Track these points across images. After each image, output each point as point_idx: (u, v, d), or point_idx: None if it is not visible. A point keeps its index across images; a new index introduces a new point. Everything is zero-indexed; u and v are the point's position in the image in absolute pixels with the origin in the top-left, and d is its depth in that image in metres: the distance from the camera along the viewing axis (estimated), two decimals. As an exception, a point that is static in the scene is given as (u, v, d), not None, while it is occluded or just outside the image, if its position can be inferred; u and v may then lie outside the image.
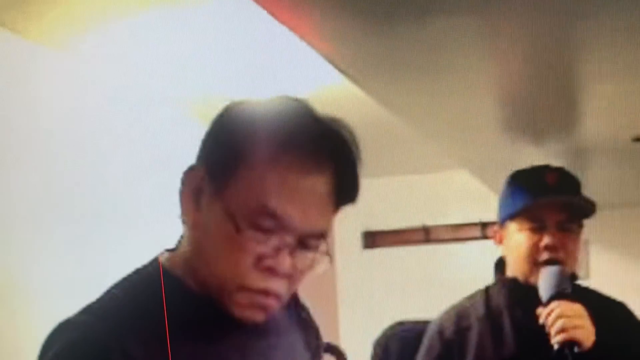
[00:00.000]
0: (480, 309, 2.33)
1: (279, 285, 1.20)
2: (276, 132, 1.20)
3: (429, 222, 5.31)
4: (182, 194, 1.24)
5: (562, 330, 2.01)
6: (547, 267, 2.16)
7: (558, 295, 2.09)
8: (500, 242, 2.35)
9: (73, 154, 3.12)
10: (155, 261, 1.29)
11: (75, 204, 3.10)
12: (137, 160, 3.49)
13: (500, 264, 2.39)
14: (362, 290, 5.33)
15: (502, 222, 2.34)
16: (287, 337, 1.37)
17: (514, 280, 2.29)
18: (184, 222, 1.25)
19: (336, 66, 2.29)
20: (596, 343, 2.03)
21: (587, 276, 4.90)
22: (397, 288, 5.18)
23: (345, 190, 1.25)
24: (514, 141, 3.18)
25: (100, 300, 1.23)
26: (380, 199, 5.40)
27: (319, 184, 1.20)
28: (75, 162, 3.13)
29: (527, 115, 2.90)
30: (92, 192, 3.20)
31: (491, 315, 2.31)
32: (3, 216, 2.78)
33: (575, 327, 2.02)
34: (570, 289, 2.11)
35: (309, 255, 1.22)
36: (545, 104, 2.75)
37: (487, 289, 2.40)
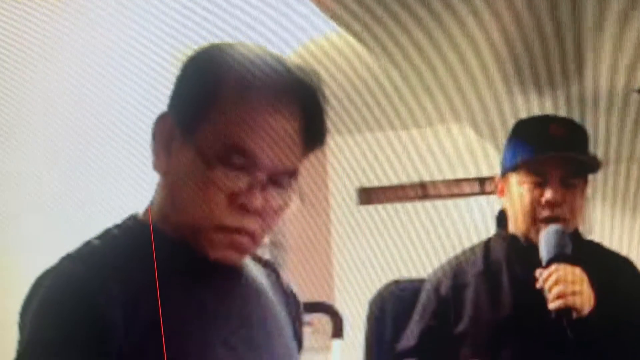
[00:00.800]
0: (479, 264, 2.32)
1: (252, 224, 1.26)
2: (244, 73, 1.26)
3: (426, 178, 5.30)
4: (154, 142, 1.30)
5: (559, 296, 1.99)
6: (548, 226, 2.13)
7: (558, 257, 2.06)
8: (501, 194, 2.33)
9: (54, 106, 3.09)
10: (133, 215, 1.34)
11: (60, 160, 3.09)
12: (124, 113, 3.47)
13: (502, 217, 2.37)
14: (357, 248, 5.33)
15: (504, 174, 2.31)
16: (268, 296, 1.41)
17: (514, 237, 2.27)
18: (156, 169, 1.31)
19: (331, 17, 2.27)
20: (595, 309, 2.00)
21: (588, 233, 4.90)
22: (394, 246, 5.18)
23: (312, 132, 1.31)
24: (514, 94, 3.16)
25: (79, 250, 1.27)
26: (375, 154, 5.39)
27: (287, 123, 1.27)
28: (59, 114, 3.11)
29: (528, 67, 2.87)
30: (77, 147, 3.18)
31: (490, 272, 2.29)
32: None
33: (573, 294, 1.99)
34: (570, 250, 2.08)
35: (281, 193, 1.28)
36: (547, 55, 2.72)
37: (487, 242, 2.38)
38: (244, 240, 1.27)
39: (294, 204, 1.30)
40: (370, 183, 5.41)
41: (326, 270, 5.34)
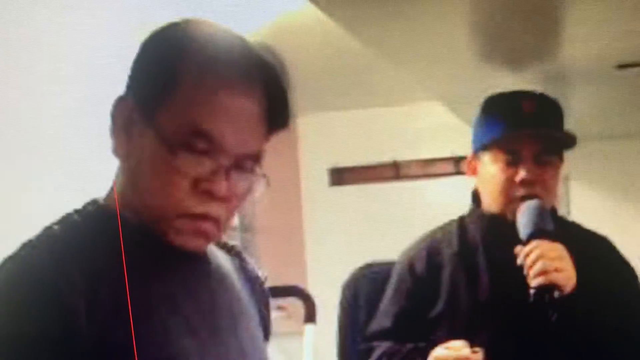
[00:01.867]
0: (454, 244, 2.30)
1: (217, 209, 1.25)
2: (204, 53, 1.24)
3: (400, 158, 5.30)
4: (113, 125, 1.28)
5: (541, 272, 1.96)
6: (527, 202, 2.11)
7: (538, 233, 2.03)
8: (473, 173, 2.30)
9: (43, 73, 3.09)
10: (94, 200, 1.33)
11: (33, 128, 3.08)
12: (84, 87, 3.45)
13: (475, 196, 2.35)
14: (329, 230, 5.33)
15: (476, 152, 2.29)
16: (233, 282, 1.41)
17: (489, 215, 2.25)
18: (115, 154, 1.29)
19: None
20: (577, 287, 1.98)
21: (567, 213, 4.93)
22: (366, 227, 5.19)
23: (275, 114, 1.29)
24: (490, 70, 3.16)
25: (39, 236, 1.25)
26: (347, 134, 5.38)
27: (250, 105, 1.25)
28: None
29: (504, 42, 2.87)
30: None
31: (465, 252, 2.27)
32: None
33: (555, 270, 1.96)
34: (551, 227, 2.07)
35: (246, 177, 1.27)
36: (524, 30, 2.72)
37: (461, 221, 2.36)
38: (208, 226, 1.26)
39: (259, 188, 1.29)
40: (343, 163, 5.41)
41: (298, 253, 5.35)
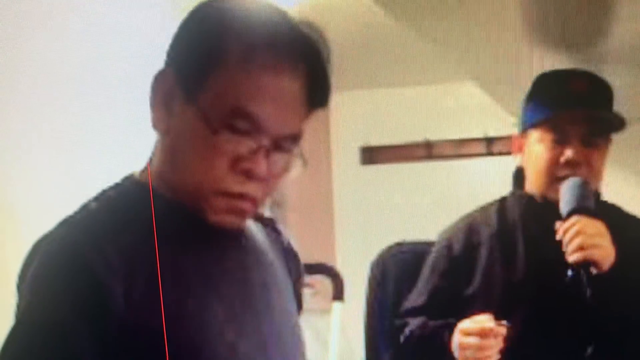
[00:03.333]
0: (493, 224, 2.30)
1: (255, 189, 1.26)
2: (248, 32, 1.24)
3: (432, 137, 5.29)
4: (153, 100, 1.28)
5: (579, 248, 1.95)
6: (571, 178, 2.10)
7: (579, 209, 2.02)
8: (519, 151, 2.29)
9: (54, 62, 3.09)
10: (131, 175, 1.33)
11: (64, 116, 3.09)
12: (122, 67, 3.46)
13: (519, 176, 2.34)
14: (359, 209, 5.34)
15: (523, 130, 2.28)
16: (267, 257, 1.41)
17: (531, 196, 2.25)
18: (155, 128, 1.29)
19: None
20: (615, 265, 1.98)
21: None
22: (397, 207, 5.19)
23: (316, 92, 1.29)
24: (526, 51, 3.14)
25: (77, 214, 1.26)
26: (379, 112, 5.37)
27: (292, 86, 1.25)
28: (58, 69, 3.10)
29: (542, 22, 2.85)
30: (77, 103, 3.18)
31: (504, 232, 2.27)
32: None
33: (594, 246, 1.95)
34: (592, 204, 2.05)
35: (284, 158, 1.28)
36: (562, 9, 2.70)
37: (502, 201, 2.35)
38: (245, 205, 1.27)
39: (296, 168, 1.30)
40: (374, 142, 5.40)
41: (328, 231, 5.36)
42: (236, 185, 1.24)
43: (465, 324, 2.09)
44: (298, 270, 1.51)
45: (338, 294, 3.90)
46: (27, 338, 1.15)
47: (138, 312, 1.17)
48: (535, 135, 2.22)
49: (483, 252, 2.26)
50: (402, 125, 5.34)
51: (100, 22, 3.36)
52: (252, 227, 1.42)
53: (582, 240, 1.96)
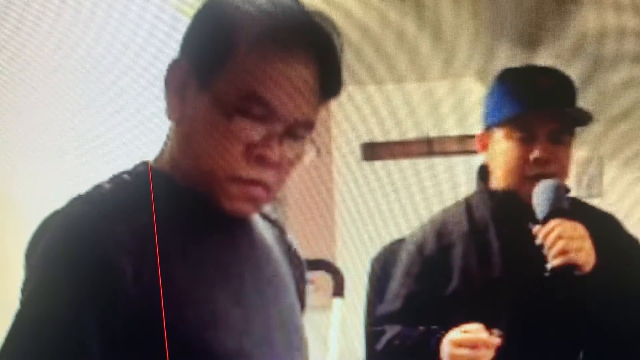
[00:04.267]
0: (463, 224, 2.27)
1: (268, 175, 1.27)
2: (261, 21, 1.25)
3: (433, 133, 5.29)
4: (167, 89, 1.30)
5: (562, 252, 1.95)
6: (544, 181, 2.08)
7: (557, 212, 2.01)
8: (484, 148, 2.27)
9: (57, 56, 3.09)
10: (144, 161, 1.34)
11: (65, 109, 3.09)
12: (125, 58, 3.46)
13: (483, 172, 2.32)
14: (360, 205, 5.34)
15: (487, 128, 2.26)
16: (273, 253, 1.42)
17: (501, 193, 2.22)
18: (169, 117, 1.30)
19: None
20: (596, 265, 1.98)
21: (600, 194, 4.91)
22: (398, 203, 5.19)
23: (328, 81, 1.31)
24: (528, 47, 3.15)
25: (90, 193, 1.27)
26: (381, 108, 5.38)
27: (305, 73, 1.27)
28: (61, 64, 3.11)
29: (541, 17, 2.86)
30: (83, 97, 3.19)
31: (475, 231, 2.25)
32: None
33: (576, 250, 1.95)
34: (568, 205, 2.05)
35: (297, 144, 1.30)
36: (562, 8, 2.71)
37: (468, 200, 2.34)
38: (259, 191, 1.28)
39: (309, 155, 1.32)
40: (375, 138, 5.41)
41: (328, 227, 5.36)
42: (250, 171, 1.25)
43: (456, 335, 2.06)
44: (301, 269, 1.52)
45: (338, 290, 3.90)
46: (37, 315, 1.15)
47: (147, 295, 1.17)
48: (501, 133, 2.20)
49: (457, 253, 2.24)
50: (403, 121, 5.34)
51: (101, 15, 3.36)
52: (260, 223, 1.43)
53: (564, 244, 1.96)
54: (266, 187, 1.28)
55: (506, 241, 2.20)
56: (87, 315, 1.14)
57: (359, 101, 5.26)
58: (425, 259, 2.27)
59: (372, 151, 5.45)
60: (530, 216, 2.05)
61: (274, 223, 1.50)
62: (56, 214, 1.24)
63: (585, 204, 2.33)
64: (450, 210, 2.36)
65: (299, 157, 1.31)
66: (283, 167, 1.28)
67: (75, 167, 3.10)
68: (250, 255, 1.35)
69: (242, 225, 1.34)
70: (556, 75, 2.21)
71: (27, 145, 2.92)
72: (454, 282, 2.21)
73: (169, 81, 1.30)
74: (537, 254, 1.99)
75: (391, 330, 2.27)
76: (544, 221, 2.01)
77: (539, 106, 2.15)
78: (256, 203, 1.31)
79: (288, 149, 1.27)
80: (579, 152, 4.74)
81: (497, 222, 2.23)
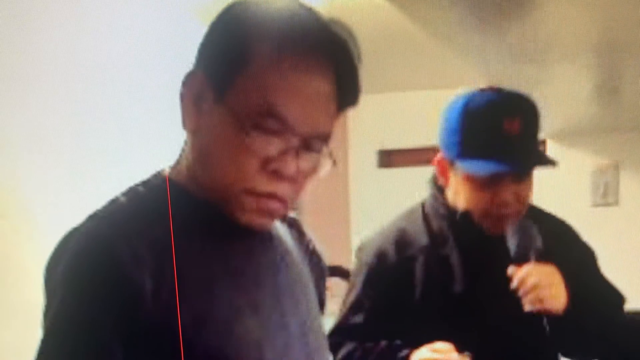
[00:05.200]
0: (422, 236, 2.20)
1: (284, 189, 1.25)
2: (277, 32, 1.23)
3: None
4: (183, 100, 1.28)
5: (538, 301, 1.97)
6: (516, 224, 2.06)
7: (531, 255, 2.02)
8: (443, 175, 2.18)
9: (72, 65, 3.11)
10: (159, 173, 1.33)
11: (79, 118, 3.11)
12: (141, 67, 3.48)
13: (437, 182, 2.23)
14: (376, 211, 5.33)
15: (449, 159, 2.15)
16: (292, 257, 1.41)
17: (460, 214, 2.14)
18: (185, 128, 1.29)
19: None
20: (567, 307, 1.99)
21: (616, 202, 4.90)
22: (413, 210, 5.19)
23: (346, 92, 1.29)
24: (545, 57, 3.15)
25: (105, 208, 1.26)
26: (397, 115, 5.39)
27: (322, 85, 1.25)
28: (77, 73, 3.12)
29: (557, 27, 2.86)
30: (96, 104, 3.20)
31: (436, 244, 2.19)
32: (7, 136, 2.80)
33: (551, 297, 1.98)
34: (540, 244, 2.03)
35: (313, 157, 1.27)
36: (585, 19, 2.71)
37: (424, 208, 2.27)
38: (275, 205, 1.26)
39: (325, 167, 1.30)
40: (391, 145, 5.42)
41: (344, 233, 5.37)
42: (265, 184, 1.23)
43: (425, 354, 2.01)
44: (322, 270, 1.51)
45: (353, 297, 3.89)
46: (63, 337, 1.16)
47: (166, 309, 1.17)
48: (462, 171, 2.11)
49: (419, 265, 2.17)
50: (419, 129, 5.33)
51: (113, 21, 3.38)
52: (279, 226, 1.42)
53: (539, 293, 1.97)
54: (282, 200, 1.26)
55: (466, 255, 2.15)
56: (110, 334, 1.14)
57: (375, 108, 5.27)
58: (385, 270, 2.20)
59: (388, 158, 5.46)
60: (494, 243, 2.06)
61: (292, 224, 1.48)
62: (74, 232, 1.23)
63: (541, 211, 2.27)
64: (408, 217, 2.30)
65: (315, 169, 1.29)
66: (299, 180, 1.27)
67: (88, 174, 3.12)
68: (268, 265, 1.33)
69: (260, 235, 1.32)
70: (522, 113, 2.09)
71: (40, 153, 2.94)
72: (416, 297, 2.15)
73: (185, 91, 1.28)
74: (500, 272, 2.00)
75: (351, 344, 2.20)
76: (518, 262, 2.01)
77: (506, 165, 2.05)
78: (272, 216, 1.29)
79: (304, 162, 1.25)
80: (595, 160, 4.78)
81: (456, 236, 2.17)
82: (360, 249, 2.35)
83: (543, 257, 2.02)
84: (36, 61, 2.93)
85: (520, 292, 1.99)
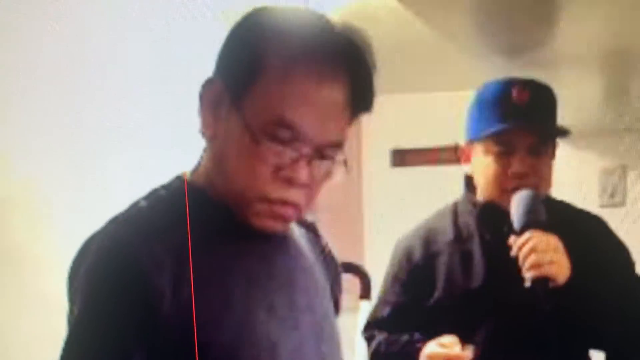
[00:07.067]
0: (449, 232, 2.29)
1: (297, 195, 1.27)
2: (292, 41, 1.24)
3: (461, 141, 5.30)
4: (201, 106, 1.30)
5: (534, 265, 1.96)
6: (520, 192, 2.09)
7: (532, 223, 2.02)
8: (467, 161, 2.27)
9: (90, 69, 3.12)
10: (179, 176, 1.35)
11: (97, 120, 3.13)
12: (160, 72, 3.50)
13: (469, 181, 2.32)
14: (389, 210, 5.37)
15: (469, 141, 2.26)
16: (308, 259, 1.43)
17: (483, 203, 2.23)
18: (203, 134, 1.31)
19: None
20: (571, 278, 1.99)
21: (623, 203, 4.91)
22: (426, 209, 5.19)
23: (360, 99, 1.30)
24: (555, 60, 3.17)
25: (127, 211, 1.29)
26: (411, 116, 5.40)
27: (335, 93, 1.25)
28: (94, 76, 3.13)
29: (567, 30, 2.87)
30: (113, 106, 3.21)
31: (460, 239, 2.26)
32: (25, 127, 2.82)
33: (549, 263, 1.96)
34: (544, 216, 2.04)
35: (326, 164, 1.29)
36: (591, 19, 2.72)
37: (454, 208, 2.35)
38: (287, 210, 1.28)
39: (338, 173, 1.31)
40: (405, 144, 5.43)
41: (357, 231, 5.39)
42: (278, 191, 1.25)
43: (431, 349, 2.09)
44: (336, 273, 1.52)
45: (365, 293, 3.93)
46: (84, 339, 1.19)
47: (185, 312, 1.19)
48: (481, 147, 2.20)
49: (442, 261, 2.25)
50: (432, 129, 5.36)
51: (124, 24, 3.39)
52: (294, 229, 1.43)
53: (536, 257, 1.97)
54: (295, 206, 1.28)
55: (488, 251, 2.21)
56: (131, 338, 1.17)
57: (390, 109, 5.28)
58: (412, 266, 2.30)
59: (402, 158, 5.47)
60: (511, 226, 2.07)
61: (309, 227, 1.50)
62: (95, 237, 1.25)
63: (569, 207, 2.31)
64: (438, 216, 2.38)
65: (328, 175, 1.30)
66: (312, 187, 1.28)
67: (103, 176, 3.13)
68: (283, 267, 1.34)
69: (276, 238, 1.34)
70: (531, 85, 2.19)
71: (54, 154, 2.95)
72: (438, 291, 2.23)
73: (204, 98, 1.29)
74: (517, 265, 2.01)
75: (378, 337, 2.33)
76: (520, 232, 2.03)
77: (512, 123, 2.14)
78: (285, 221, 1.31)
79: (317, 169, 1.27)
80: (603, 161, 4.79)
81: (481, 230, 2.24)
82: (395, 247, 2.43)
83: (547, 229, 2.02)
84: (59, 57, 2.93)
85: (520, 260, 1.99)
